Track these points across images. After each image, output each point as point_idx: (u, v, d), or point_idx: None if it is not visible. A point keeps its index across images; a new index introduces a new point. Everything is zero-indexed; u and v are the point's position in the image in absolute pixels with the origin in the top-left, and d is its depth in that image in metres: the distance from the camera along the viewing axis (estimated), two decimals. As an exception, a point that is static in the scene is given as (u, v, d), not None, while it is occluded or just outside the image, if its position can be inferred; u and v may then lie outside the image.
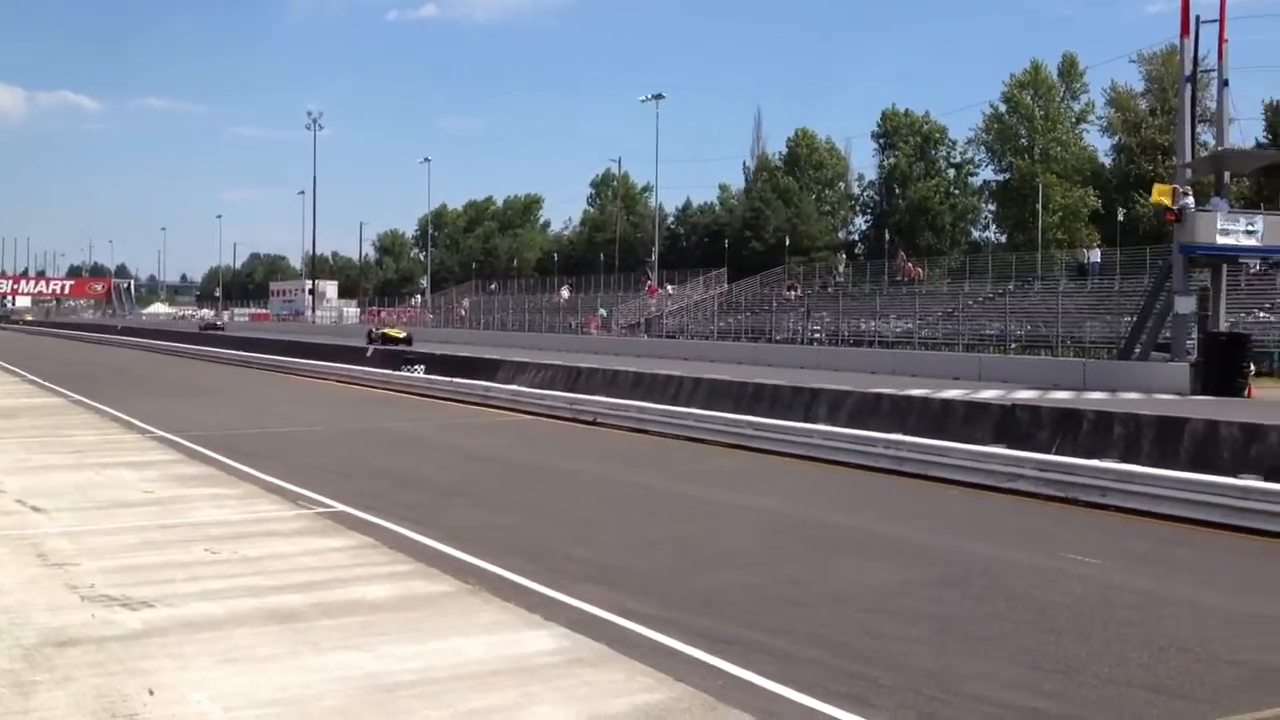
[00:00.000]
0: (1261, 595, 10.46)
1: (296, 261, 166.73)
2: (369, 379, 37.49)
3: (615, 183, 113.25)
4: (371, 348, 48.24)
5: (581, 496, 16.15)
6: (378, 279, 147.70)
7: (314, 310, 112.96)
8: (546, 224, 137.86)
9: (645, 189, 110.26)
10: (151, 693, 7.05)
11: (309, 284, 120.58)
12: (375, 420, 26.56)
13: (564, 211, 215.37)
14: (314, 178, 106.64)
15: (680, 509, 15.01)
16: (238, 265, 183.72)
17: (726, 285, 73.20)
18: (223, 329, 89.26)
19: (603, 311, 69.66)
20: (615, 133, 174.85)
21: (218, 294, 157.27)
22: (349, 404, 31.16)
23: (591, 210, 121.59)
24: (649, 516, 14.36)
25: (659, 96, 78.32)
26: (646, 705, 6.93)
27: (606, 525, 13.75)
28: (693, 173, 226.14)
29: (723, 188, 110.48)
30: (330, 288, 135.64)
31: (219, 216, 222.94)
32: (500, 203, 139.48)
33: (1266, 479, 14.25)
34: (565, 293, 79.64)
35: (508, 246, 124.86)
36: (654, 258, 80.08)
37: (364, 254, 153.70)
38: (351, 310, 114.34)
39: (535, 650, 8.07)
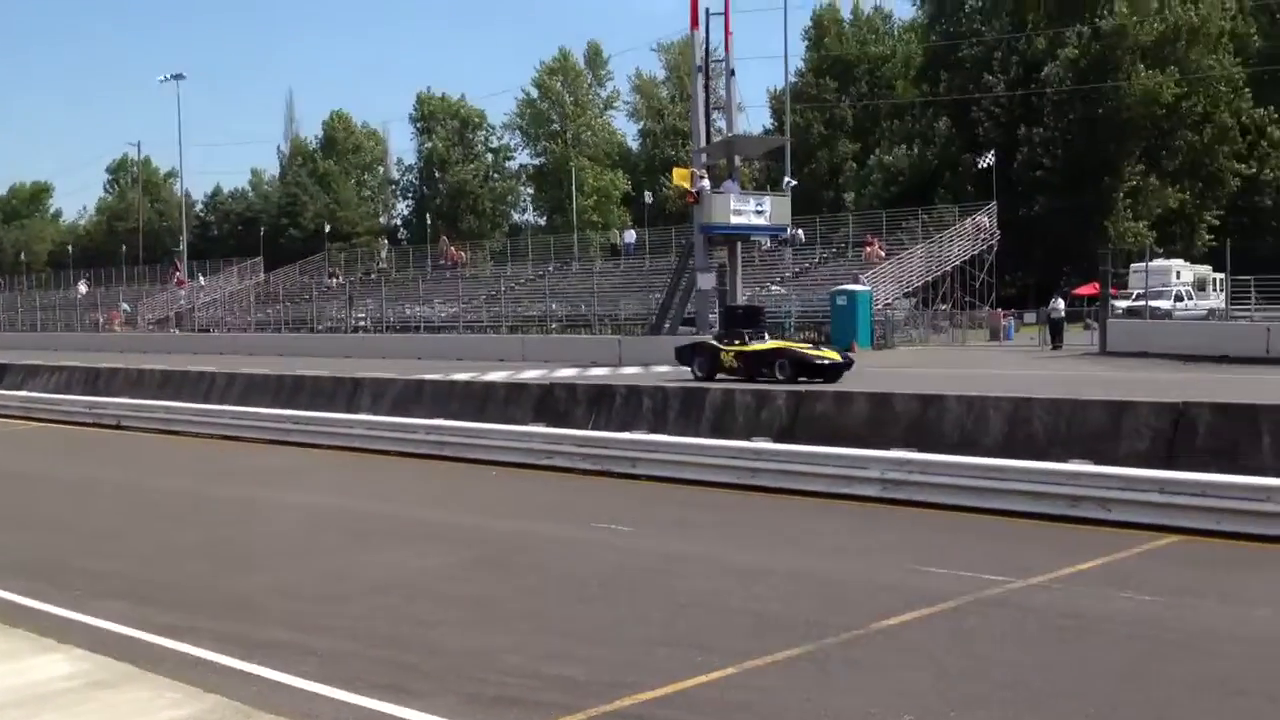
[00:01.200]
0: (769, 548, 11.46)
1: None
2: None
3: (135, 168, 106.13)
4: None
5: (102, 507, 15.07)
6: None
7: None
8: (58, 214, 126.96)
9: (170, 175, 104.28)
10: None
11: None
12: None
13: (78, 200, 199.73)
14: None
15: (212, 513, 14.36)
16: None
17: (263, 275, 70.59)
18: None
19: (125, 306, 65.20)
20: (133, 115, 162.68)
21: None
22: None
23: (109, 198, 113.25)
24: (179, 523, 13.63)
25: (179, 76, 74.23)
26: (174, 722, 6.58)
27: (130, 536, 12.92)
28: (222, 157, 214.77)
29: (255, 173, 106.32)
30: None
31: None
32: (3, 190, 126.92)
33: (775, 440, 15.65)
34: (83, 288, 73.75)
35: (14, 239, 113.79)
36: (182, 247, 75.83)
37: None
38: None
39: (48, 677, 7.41)
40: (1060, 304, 36.53)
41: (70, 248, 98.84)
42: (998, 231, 46.14)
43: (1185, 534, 10.97)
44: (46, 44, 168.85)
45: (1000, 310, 42.80)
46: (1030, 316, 44.05)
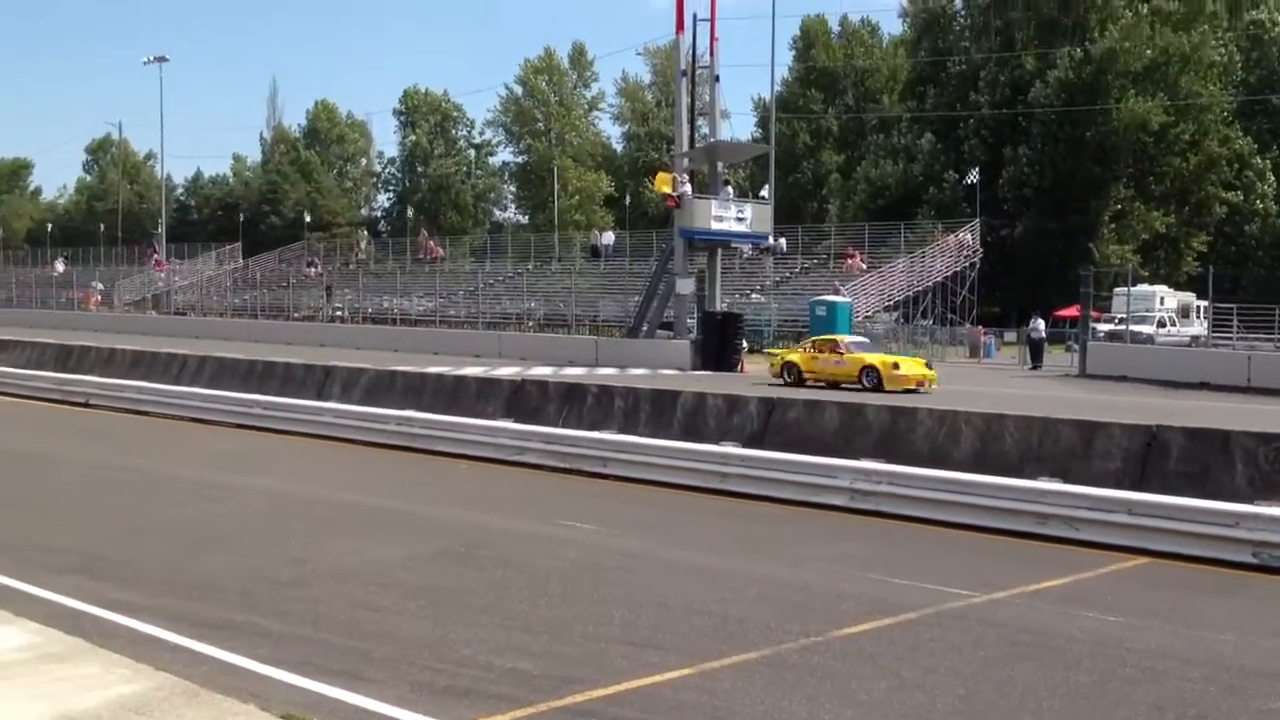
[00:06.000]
0: (733, 553, 11.43)
1: None
2: None
3: (115, 149, 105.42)
4: None
5: (65, 484, 14.93)
6: None
7: None
8: (38, 191, 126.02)
9: (150, 157, 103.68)
10: None
11: None
12: None
13: (58, 178, 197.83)
14: None
15: (176, 493, 14.25)
16: None
17: (242, 260, 70.27)
18: None
19: (99, 285, 64.71)
20: (115, 95, 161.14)
21: None
22: None
23: (89, 178, 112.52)
24: (141, 501, 13.53)
25: (162, 59, 73.78)
26: (122, 697, 6.50)
27: (92, 513, 12.81)
28: (203, 142, 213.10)
29: (237, 159, 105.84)
30: None
31: None
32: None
33: (745, 446, 15.63)
34: (60, 266, 73.17)
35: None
36: (161, 230, 75.36)
37: None
38: None
39: (0, 648, 7.36)
40: (1040, 324, 36.63)
41: (49, 225, 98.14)
42: (980, 249, 46.31)
43: (1153, 556, 10.98)
44: (29, 19, 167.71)
45: (981, 328, 42.89)
46: (1011, 336, 44.18)
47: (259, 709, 6.36)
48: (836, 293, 37.71)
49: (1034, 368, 34.40)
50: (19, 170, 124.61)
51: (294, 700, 6.74)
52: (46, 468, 16.30)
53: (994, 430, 14.68)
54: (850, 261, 44.13)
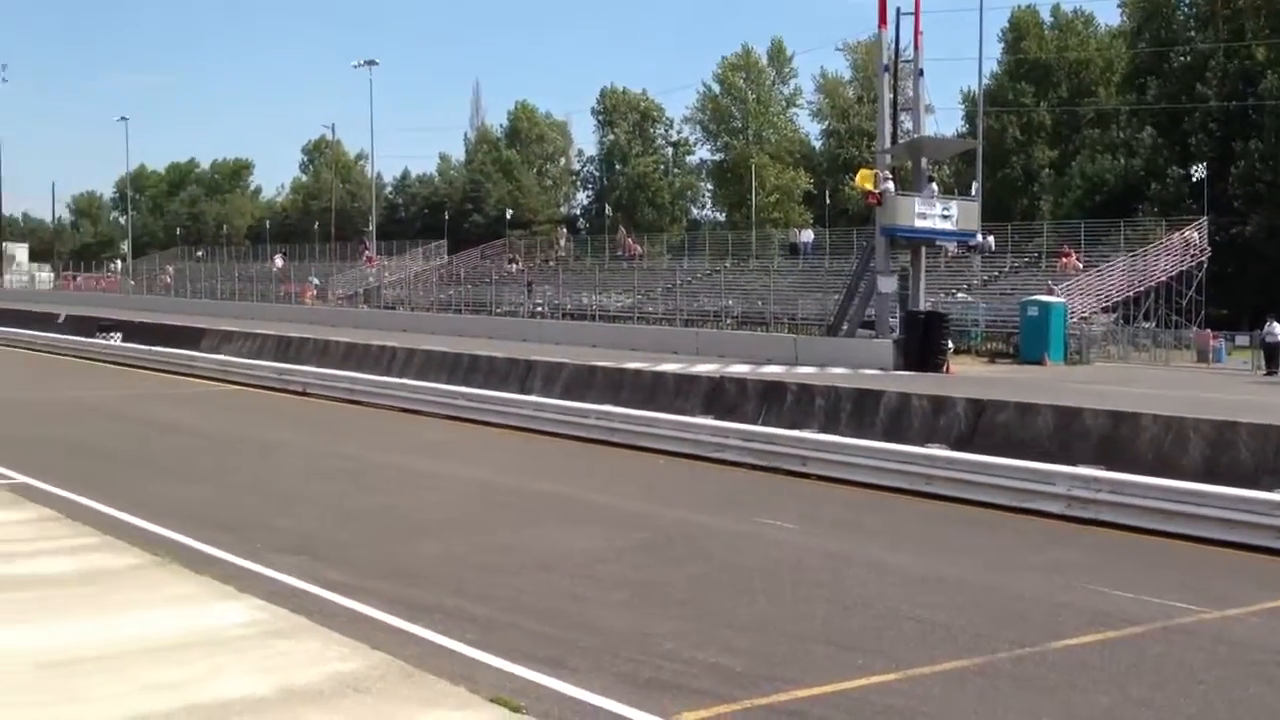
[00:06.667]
0: (940, 557, 11.10)
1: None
2: (61, 347, 35.13)
3: (329, 150, 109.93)
4: (64, 313, 45.17)
5: (285, 468, 15.61)
6: (74, 243, 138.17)
7: (3, 274, 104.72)
8: (258, 190, 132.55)
9: (361, 157, 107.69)
10: None
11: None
12: (65, 390, 24.88)
13: (276, 177, 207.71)
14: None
15: (388, 480, 14.72)
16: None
17: (447, 257, 72.27)
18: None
19: (315, 280, 67.54)
20: (329, 98, 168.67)
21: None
22: (37, 373, 29.11)
23: (305, 178, 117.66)
24: (355, 487, 14.00)
25: (372, 63, 76.37)
26: (340, 674, 6.70)
27: (310, 496, 13.32)
28: (412, 142, 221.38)
29: (443, 158, 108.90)
30: (20, 250, 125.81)
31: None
32: (206, 165, 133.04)
33: (953, 448, 15.20)
34: (279, 261, 76.73)
35: (216, 212, 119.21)
36: (371, 227, 78.18)
37: (57, 216, 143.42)
38: (45, 275, 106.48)
39: (227, 623, 7.68)
40: (1277, 328, 34.42)
41: (268, 223, 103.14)
42: (1209, 248, 43.97)
43: None
44: (250, 29, 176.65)
45: (1209, 331, 40.53)
46: (1243, 339, 41.68)
47: (468, 691, 6.46)
48: (1050, 292, 36.35)
49: (1269, 373, 32.41)
50: (240, 171, 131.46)
51: (501, 685, 6.82)
52: (268, 453, 17.05)
53: (1226, 438, 13.88)
54: (1065, 260, 42.48)
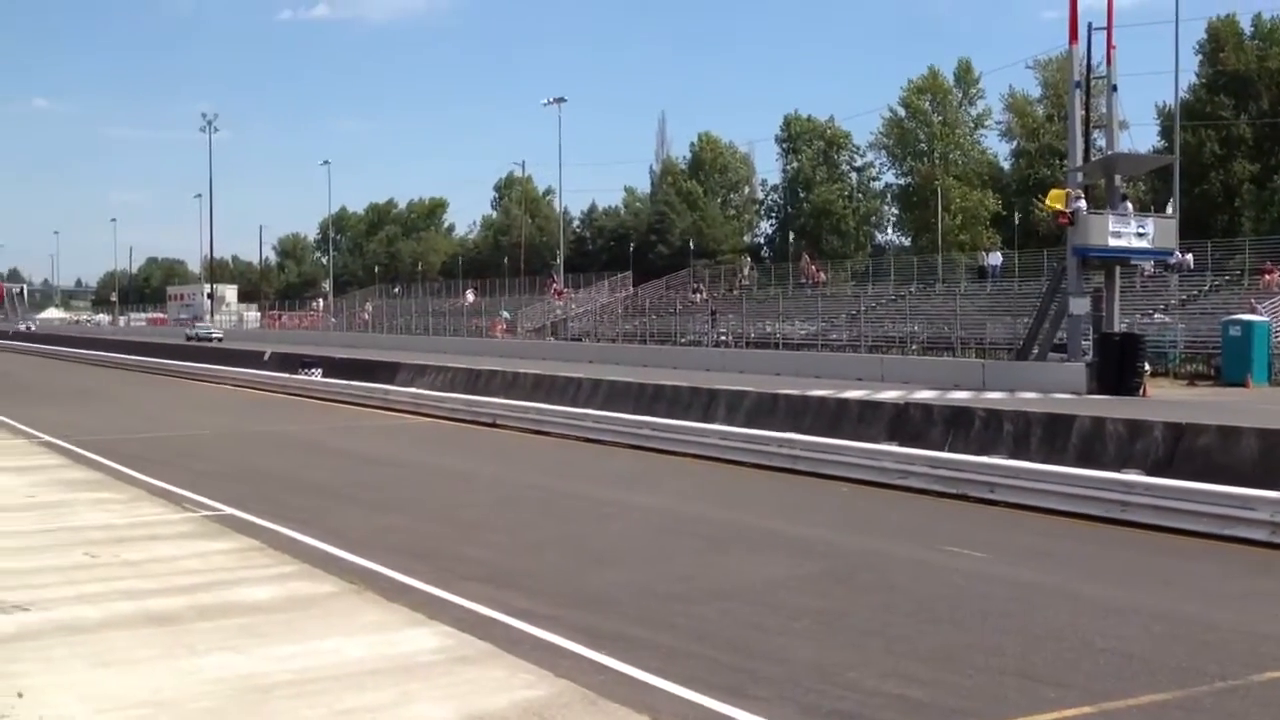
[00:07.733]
0: (1138, 587, 10.70)
1: (195, 265, 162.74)
2: (266, 383, 36.93)
3: (519, 186, 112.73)
4: (269, 351, 47.51)
5: (474, 498, 16.04)
6: (279, 283, 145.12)
7: (213, 315, 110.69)
8: (451, 227, 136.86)
9: (549, 192, 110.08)
10: (20, 695, 6.86)
11: (208, 288, 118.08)
12: (268, 424, 26.13)
13: (468, 214, 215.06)
14: (210, 179, 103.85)
15: (573, 509, 14.98)
16: (134, 269, 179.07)
17: (632, 288, 73.21)
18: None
19: (505, 314, 69.25)
20: (518, 135, 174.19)
21: (114, 298, 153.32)
22: (243, 408, 30.62)
23: (495, 214, 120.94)
24: (542, 517, 14.31)
25: (561, 100, 78.21)
26: (526, 701, 6.88)
27: (498, 526, 13.67)
28: (597, 176, 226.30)
29: (628, 190, 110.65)
30: (230, 292, 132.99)
31: (113, 220, 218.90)
32: (403, 205, 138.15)
33: (1149, 474, 14.63)
34: (470, 296, 79.05)
35: (411, 250, 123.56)
36: (559, 261, 79.76)
37: (264, 257, 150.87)
38: (252, 314, 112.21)
39: (417, 649, 7.97)
40: None
41: (460, 259, 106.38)
42: None
43: None
44: (442, 76, 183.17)
45: None
46: None
47: (650, 719, 6.54)
48: (1253, 311, 34.66)
49: None
50: (435, 209, 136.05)
51: (684, 714, 6.88)
52: (458, 482, 17.56)
53: None
54: (1268, 277, 40.47)
